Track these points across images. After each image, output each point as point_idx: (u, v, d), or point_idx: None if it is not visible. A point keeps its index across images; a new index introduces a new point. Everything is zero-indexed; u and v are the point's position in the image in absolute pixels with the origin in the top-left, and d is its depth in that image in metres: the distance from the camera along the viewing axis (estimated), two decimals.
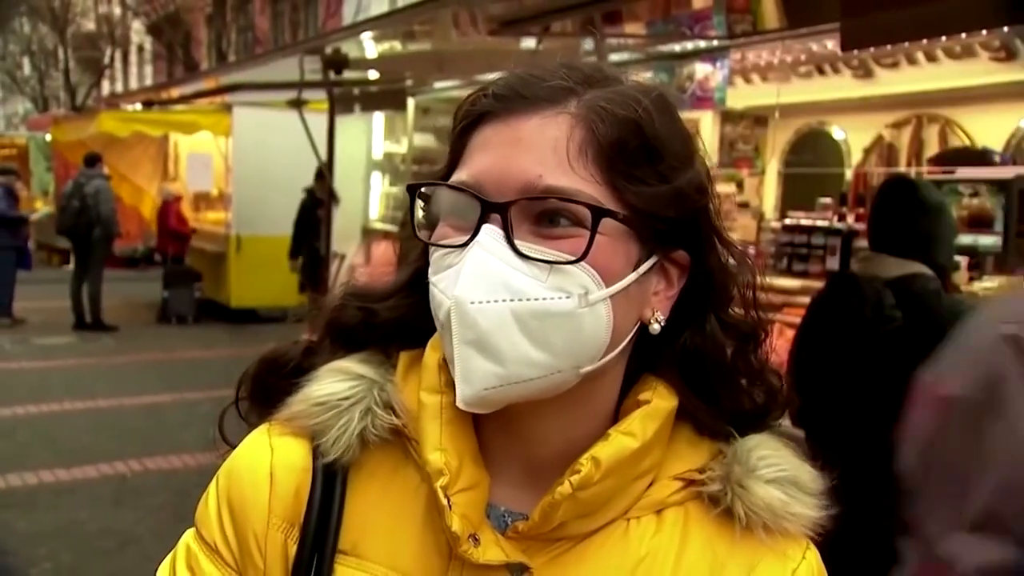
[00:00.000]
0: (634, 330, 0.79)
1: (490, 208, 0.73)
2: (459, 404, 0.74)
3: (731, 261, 0.82)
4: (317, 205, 8.15)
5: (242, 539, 0.82)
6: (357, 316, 0.86)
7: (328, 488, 0.81)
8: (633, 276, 0.76)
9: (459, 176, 0.76)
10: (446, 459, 0.77)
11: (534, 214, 0.73)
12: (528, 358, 0.72)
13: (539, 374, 0.73)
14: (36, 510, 5.22)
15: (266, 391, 0.87)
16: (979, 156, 5.54)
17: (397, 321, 0.85)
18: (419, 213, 0.82)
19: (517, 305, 0.72)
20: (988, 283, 3.85)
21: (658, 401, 0.80)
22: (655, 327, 0.79)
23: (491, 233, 0.73)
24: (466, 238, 0.74)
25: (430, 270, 0.77)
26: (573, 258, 0.72)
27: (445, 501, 0.75)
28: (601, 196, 0.73)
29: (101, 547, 4.75)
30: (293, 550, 0.80)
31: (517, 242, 0.72)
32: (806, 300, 4.24)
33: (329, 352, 0.87)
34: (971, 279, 3.87)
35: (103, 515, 5.17)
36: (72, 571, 4.51)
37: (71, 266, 11.77)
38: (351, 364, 0.84)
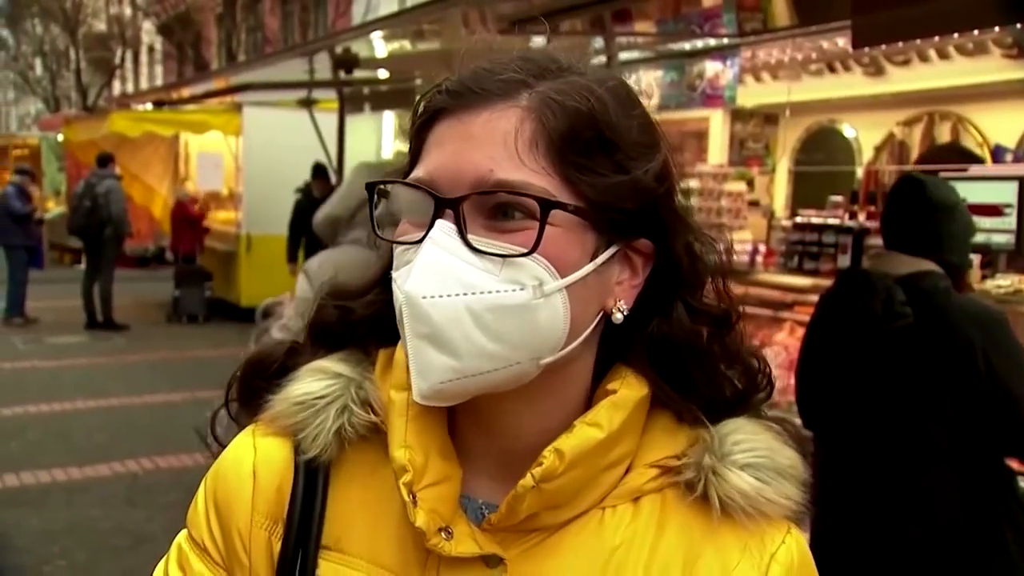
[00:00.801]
0: (596, 320, 0.79)
1: (443, 204, 0.74)
2: (415, 398, 0.75)
3: (698, 246, 0.82)
4: (315, 204, 8.16)
5: (228, 537, 0.84)
6: (334, 314, 0.87)
7: (310, 485, 0.82)
8: (590, 267, 0.76)
9: (416, 173, 0.77)
10: (410, 455, 0.78)
11: (487, 208, 0.74)
12: (484, 351, 0.73)
13: (496, 366, 0.74)
14: (49, 508, 5.25)
15: (253, 392, 0.89)
16: (962, 154, 5.54)
17: (373, 317, 0.86)
18: (382, 210, 0.82)
19: (471, 299, 0.72)
20: (1001, 281, 3.82)
21: (625, 391, 0.80)
22: (618, 316, 0.79)
23: (444, 228, 0.73)
24: (422, 234, 0.74)
25: (393, 266, 0.79)
26: (524, 250, 0.72)
27: (409, 497, 0.76)
28: (553, 188, 0.74)
29: (114, 545, 4.78)
30: (277, 547, 0.82)
31: (470, 236, 0.73)
32: (816, 299, 4.23)
33: (311, 352, 0.88)
34: (984, 277, 3.84)
35: (116, 513, 5.20)
36: (85, 569, 4.54)
37: (83, 266, 11.84)
38: (330, 363, 0.86)
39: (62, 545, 4.71)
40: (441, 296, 0.72)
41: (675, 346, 0.81)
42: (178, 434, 6.51)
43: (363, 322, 0.86)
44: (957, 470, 2.39)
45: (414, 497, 0.77)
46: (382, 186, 0.82)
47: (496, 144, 0.74)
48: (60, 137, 16.77)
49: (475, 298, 0.72)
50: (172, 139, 12.98)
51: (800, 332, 3.54)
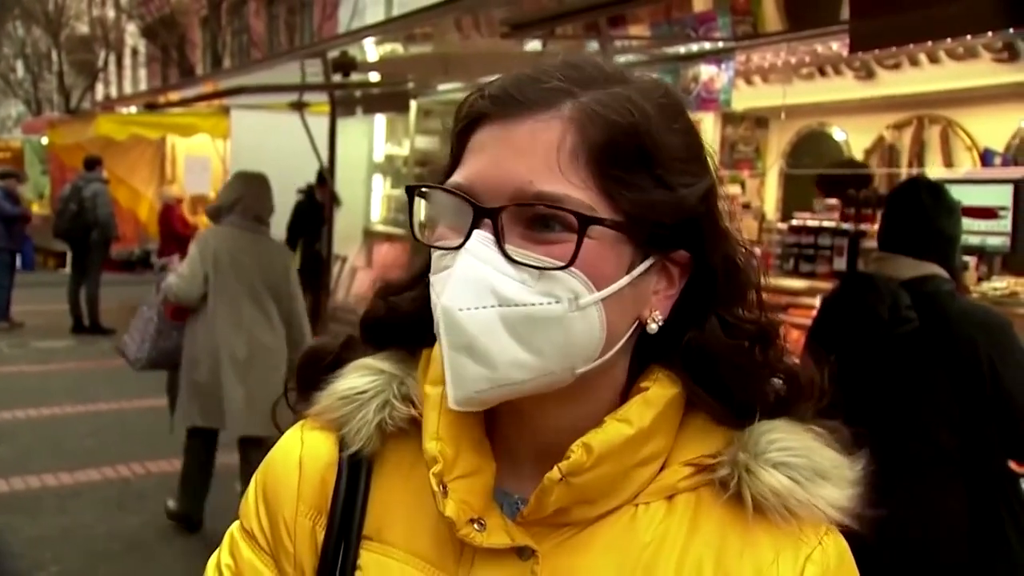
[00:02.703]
0: (631, 329, 0.80)
1: (481, 213, 0.74)
2: (450, 405, 0.76)
3: (736, 259, 0.82)
4: (316, 208, 8.13)
5: (274, 525, 0.88)
6: (383, 308, 0.90)
7: (353, 477, 0.85)
8: (626, 279, 0.76)
9: (455, 179, 0.77)
10: (441, 447, 0.79)
11: (526, 219, 0.74)
12: (518, 361, 0.74)
13: (530, 376, 0.75)
14: (41, 514, 5.20)
15: (308, 382, 0.91)
16: (851, 164, 5.63)
17: (417, 313, 0.86)
18: (422, 212, 0.83)
19: (505, 311, 0.73)
20: (997, 283, 3.86)
21: (657, 388, 0.80)
22: (652, 327, 0.80)
23: (481, 238, 0.74)
24: (460, 240, 0.75)
25: (431, 269, 0.79)
26: (561, 264, 0.73)
27: (438, 488, 0.78)
28: (592, 201, 0.74)
29: (107, 550, 4.75)
30: (321, 536, 0.85)
31: (507, 247, 0.74)
32: (812, 301, 4.26)
33: (363, 346, 0.91)
34: (979, 279, 3.88)
35: (108, 518, 5.16)
36: (79, 575, 4.51)
37: (67, 269, 11.75)
38: (375, 361, 0.89)
39: (55, 551, 4.67)
40: (476, 308, 0.73)
41: (707, 355, 0.81)
42: (169, 438, 6.46)
43: (408, 317, 0.88)
44: (962, 472, 2.41)
45: (444, 487, 0.78)
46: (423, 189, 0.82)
47: (537, 155, 0.74)
48: (44, 140, 16.65)
49: (510, 310, 0.73)
50: (159, 142, 12.93)
51: (796, 335, 3.56)
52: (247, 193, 4.75)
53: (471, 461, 0.80)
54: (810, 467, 0.79)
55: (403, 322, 0.88)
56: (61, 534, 4.92)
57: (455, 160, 0.79)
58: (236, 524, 0.92)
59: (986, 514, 2.41)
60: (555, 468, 0.76)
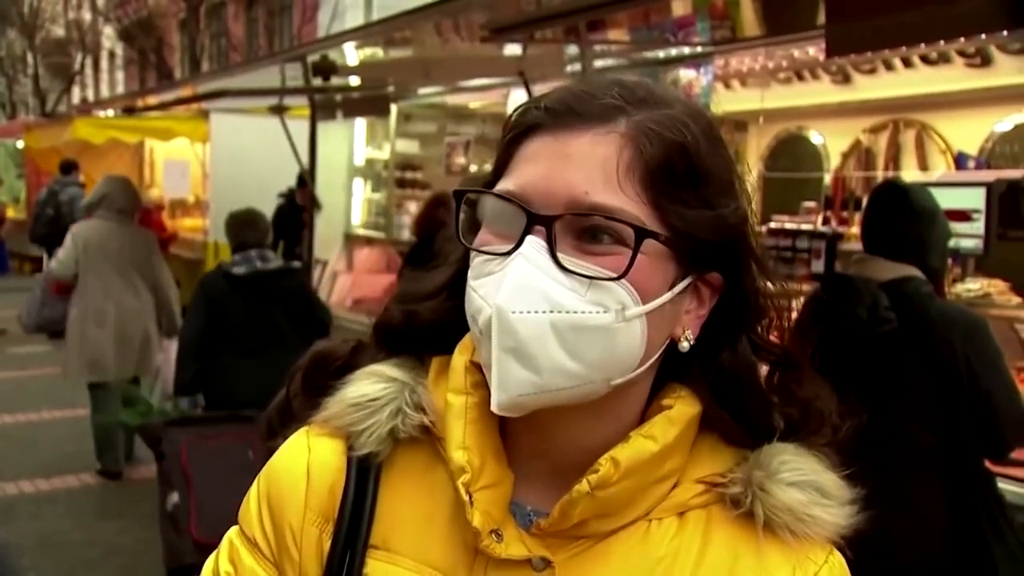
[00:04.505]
0: (664, 345, 0.82)
1: (536, 220, 0.76)
2: (493, 408, 0.76)
3: (768, 286, 0.84)
4: (297, 211, 8.10)
5: (279, 533, 0.86)
6: (400, 316, 0.90)
7: (361, 485, 0.85)
8: (669, 295, 0.78)
9: (505, 185, 0.78)
10: (468, 457, 0.80)
11: (578, 229, 0.76)
12: (563, 368, 0.75)
13: (572, 384, 0.76)
14: (17, 520, 5.16)
15: (315, 387, 0.91)
16: None
17: (437, 323, 0.87)
18: (467, 218, 0.84)
19: (556, 317, 0.74)
20: (971, 284, 3.91)
21: (680, 407, 0.82)
22: (684, 345, 0.82)
23: (535, 245, 0.75)
24: (509, 247, 0.76)
25: (470, 274, 0.80)
26: (615, 275, 0.75)
27: (467, 497, 0.78)
28: (645, 216, 0.76)
29: (85, 557, 4.72)
30: (327, 545, 0.84)
31: (560, 255, 0.75)
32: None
33: (374, 351, 0.91)
34: (954, 281, 3.93)
35: (86, 525, 5.13)
36: None
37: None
38: (384, 368, 0.88)
39: (32, 558, 4.62)
40: (529, 312, 0.74)
41: (734, 376, 0.83)
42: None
43: (426, 326, 0.88)
44: (940, 472, 2.44)
45: (471, 497, 0.78)
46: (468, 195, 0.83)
47: (595, 167, 0.75)
48: (20, 144, 16.48)
49: (560, 316, 0.74)
50: (137, 146, 12.81)
51: (774, 335, 3.59)
52: (110, 191, 5.95)
53: (494, 472, 0.81)
54: (817, 488, 0.82)
55: (422, 330, 0.88)
56: (37, 541, 4.88)
57: (502, 168, 0.81)
58: (235, 529, 0.90)
59: (964, 513, 2.44)
60: (584, 481, 0.77)
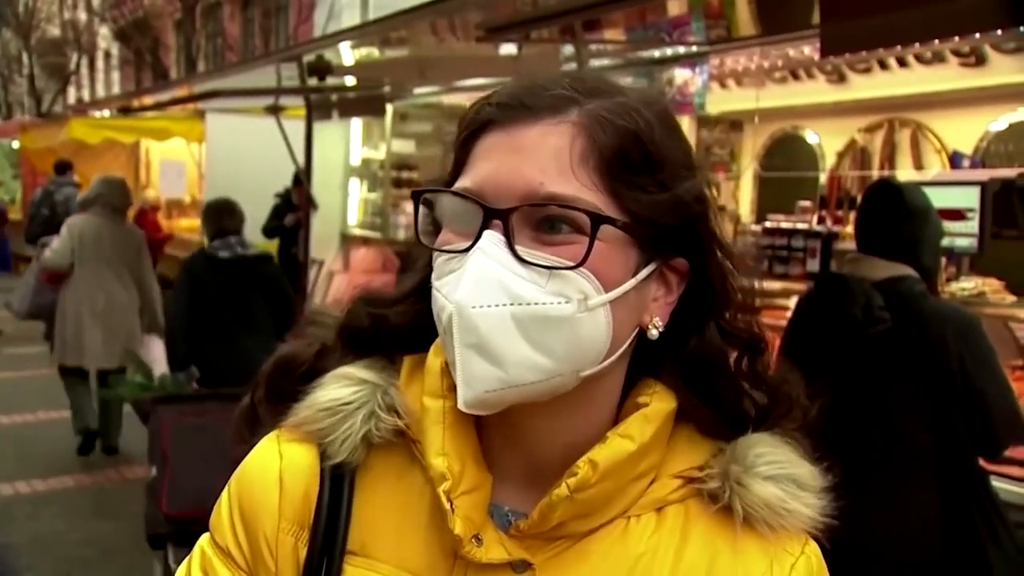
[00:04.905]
0: (633, 335, 0.81)
1: (492, 214, 0.75)
2: (460, 406, 0.76)
3: (733, 269, 0.84)
4: (294, 211, 8.10)
5: (254, 543, 0.85)
6: (367, 320, 0.88)
7: (336, 490, 0.83)
8: (632, 282, 0.78)
9: (462, 183, 0.78)
10: (448, 463, 0.79)
11: (535, 220, 0.75)
12: (529, 362, 0.74)
13: (539, 378, 0.75)
14: (14, 521, 5.15)
15: (279, 393, 0.89)
16: None
17: (406, 326, 0.87)
18: (426, 218, 0.84)
19: (517, 309, 0.73)
20: (965, 283, 3.92)
21: (656, 404, 0.81)
22: (653, 333, 0.81)
23: (492, 239, 0.75)
24: (468, 244, 0.75)
25: (434, 275, 0.80)
26: (572, 264, 0.74)
27: (448, 505, 0.77)
28: (601, 203, 0.75)
29: (82, 557, 4.71)
30: (303, 552, 0.83)
31: (518, 248, 0.75)
32: (786, 302, 4.30)
33: (340, 355, 0.89)
34: (948, 280, 3.94)
35: (83, 525, 5.12)
36: None
37: None
38: (355, 370, 0.86)
39: (29, 559, 4.62)
40: (489, 306, 0.73)
41: (705, 363, 0.83)
42: (144, 444, 6.41)
43: (394, 330, 0.87)
44: (934, 471, 2.45)
45: (452, 504, 0.77)
46: (427, 195, 0.83)
47: (547, 157, 0.75)
48: (15, 144, 16.46)
49: (521, 309, 0.74)
50: (133, 146, 12.80)
51: (770, 336, 3.60)
52: (104, 191, 6.24)
53: (474, 476, 0.80)
54: (792, 479, 0.82)
55: (391, 334, 0.87)
56: (34, 541, 4.87)
57: (459, 167, 0.80)
58: (206, 538, 0.88)
59: (958, 511, 2.45)
60: (563, 484, 0.77)
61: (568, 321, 0.74)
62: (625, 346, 0.80)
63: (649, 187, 0.78)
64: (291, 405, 0.86)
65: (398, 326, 0.87)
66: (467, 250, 0.75)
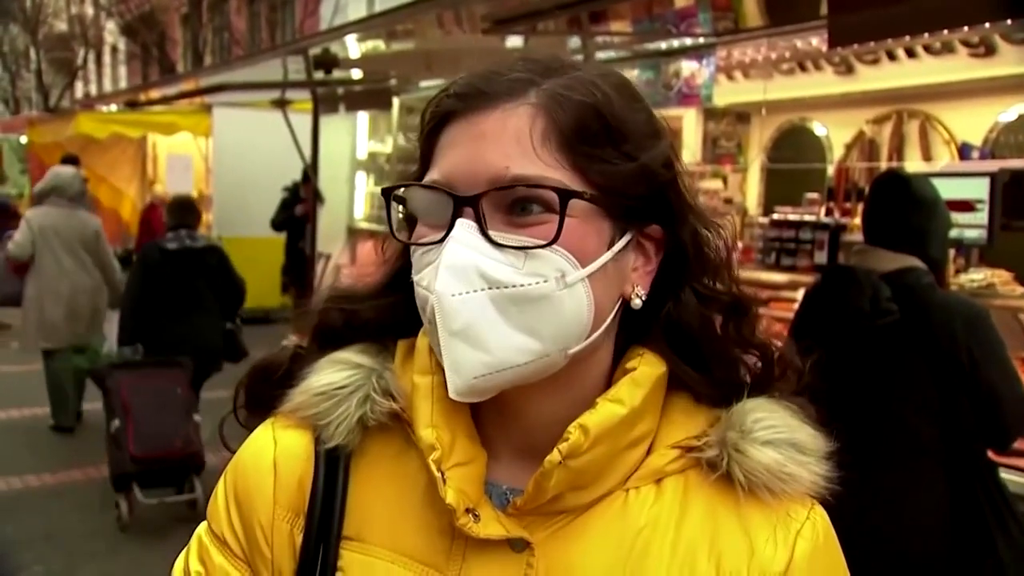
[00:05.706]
0: (616, 307, 0.81)
1: (462, 202, 0.75)
2: (451, 395, 0.76)
3: (704, 232, 0.83)
4: (299, 203, 8.12)
5: (249, 530, 0.85)
6: (340, 318, 0.89)
7: (331, 475, 0.83)
8: (608, 255, 0.78)
9: (430, 176, 0.79)
10: (437, 434, 0.79)
11: (505, 204, 0.76)
12: (513, 344, 0.74)
13: (527, 359, 0.75)
14: (23, 515, 5.17)
15: (259, 400, 0.90)
16: None
17: (378, 321, 0.87)
18: (397, 215, 0.84)
19: (495, 293, 0.74)
20: (975, 275, 3.91)
21: (644, 367, 0.81)
22: (636, 302, 0.81)
23: (464, 226, 0.75)
24: (442, 234, 0.76)
25: (413, 269, 0.80)
26: (545, 242, 0.74)
27: (439, 474, 0.77)
28: (568, 180, 0.75)
29: (91, 550, 4.73)
30: (299, 539, 0.83)
31: (491, 232, 0.75)
32: (794, 295, 4.29)
33: (317, 355, 0.89)
34: (957, 271, 3.92)
35: (91, 518, 5.14)
36: (63, 575, 4.49)
37: None
38: (350, 354, 0.87)
39: (38, 552, 4.65)
40: (468, 292, 0.74)
41: (688, 329, 0.82)
42: None
43: (369, 325, 0.88)
44: (942, 462, 2.44)
45: (443, 475, 0.78)
46: (398, 191, 0.83)
47: (509, 141, 0.76)
48: (23, 139, 16.49)
49: (499, 292, 0.74)
50: (140, 140, 12.82)
51: (777, 328, 3.58)
52: (58, 183, 6.60)
53: (466, 449, 0.80)
54: (792, 443, 0.81)
55: (362, 330, 0.88)
56: (44, 535, 4.89)
57: (426, 161, 0.81)
58: (203, 526, 0.88)
59: (966, 503, 2.44)
60: (555, 451, 0.76)
61: (548, 300, 0.75)
62: (610, 319, 0.80)
63: (614, 159, 0.78)
64: (271, 409, 0.87)
65: (370, 320, 0.87)
66: (441, 240, 0.76)
